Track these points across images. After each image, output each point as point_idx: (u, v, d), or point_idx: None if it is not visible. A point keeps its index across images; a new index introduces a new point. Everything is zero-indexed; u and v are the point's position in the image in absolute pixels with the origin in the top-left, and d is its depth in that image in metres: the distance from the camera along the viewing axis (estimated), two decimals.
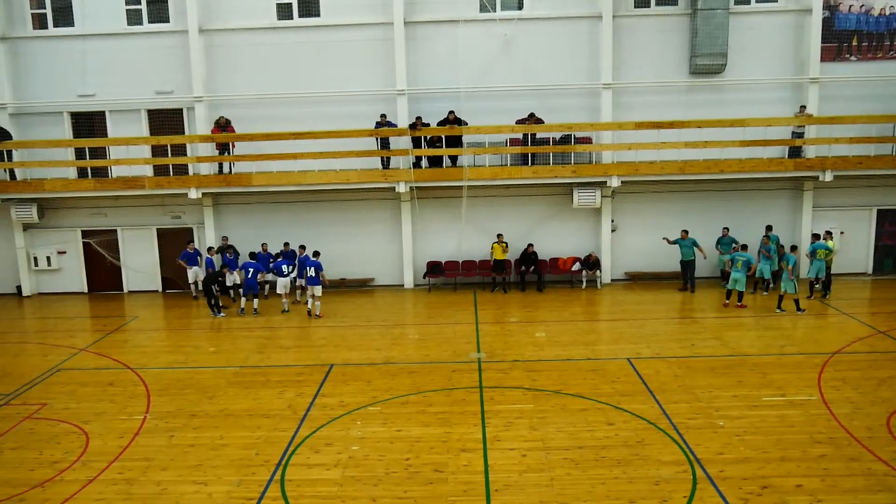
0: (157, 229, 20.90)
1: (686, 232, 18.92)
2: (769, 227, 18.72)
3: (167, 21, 19.87)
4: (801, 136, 19.09)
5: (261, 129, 19.18)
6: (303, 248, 18.57)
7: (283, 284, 18.05)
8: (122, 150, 19.91)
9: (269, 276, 18.89)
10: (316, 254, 17.94)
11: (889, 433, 10.16)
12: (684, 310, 17.52)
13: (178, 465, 9.83)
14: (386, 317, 17.70)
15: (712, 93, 19.59)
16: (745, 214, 19.87)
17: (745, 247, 17.79)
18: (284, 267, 18.12)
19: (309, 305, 17.71)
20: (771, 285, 18.54)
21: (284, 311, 18.06)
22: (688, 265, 19.02)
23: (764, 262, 18.07)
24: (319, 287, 17.50)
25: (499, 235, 19.53)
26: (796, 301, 16.74)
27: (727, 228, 19.06)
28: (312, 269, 17.44)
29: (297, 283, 18.97)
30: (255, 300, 18.00)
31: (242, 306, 17.83)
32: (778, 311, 16.76)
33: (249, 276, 17.54)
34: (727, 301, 17.22)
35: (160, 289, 21.10)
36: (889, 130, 19.17)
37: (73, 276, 21.12)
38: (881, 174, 19.25)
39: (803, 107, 19.08)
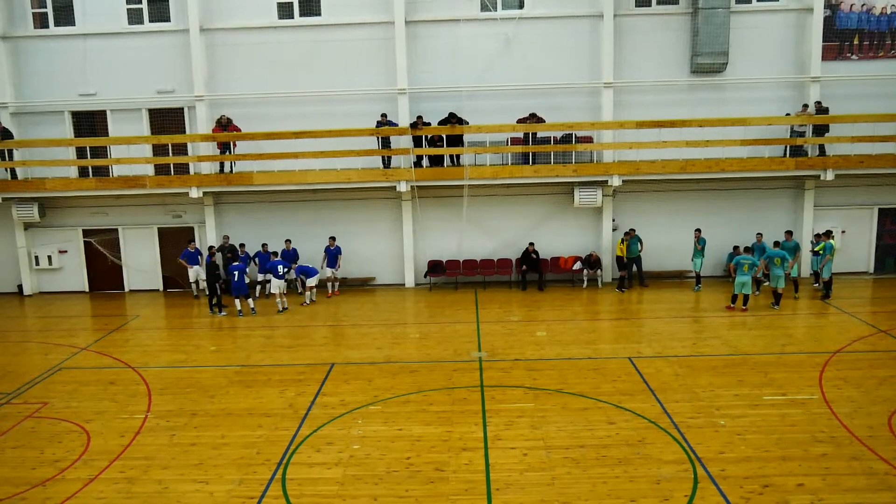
0: (159, 228, 20.92)
1: (633, 230, 19.21)
2: (789, 233, 18.43)
3: (168, 20, 19.88)
4: (802, 135, 19.06)
5: (262, 129, 19.18)
6: (288, 241, 19.31)
7: (277, 285, 18.08)
8: (123, 149, 19.93)
9: (269, 276, 18.91)
10: (332, 239, 19.66)
11: (890, 432, 10.15)
12: (685, 309, 17.51)
13: (179, 464, 9.84)
14: (387, 316, 17.70)
15: (713, 92, 19.58)
16: (747, 213, 19.88)
17: (747, 249, 17.77)
18: (280, 267, 18.12)
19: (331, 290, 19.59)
20: (763, 284, 18.48)
21: (280, 311, 18.07)
22: (635, 261, 19.34)
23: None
24: (333, 270, 19.62)
25: (629, 232, 19.25)
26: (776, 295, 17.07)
27: (699, 230, 19.05)
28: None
29: (308, 286, 18.91)
30: (249, 300, 18.02)
31: (239, 308, 17.83)
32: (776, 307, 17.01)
33: (236, 278, 17.54)
34: (732, 304, 17.12)
35: (161, 288, 21.12)
36: (891, 129, 19.07)
37: (75, 275, 21.14)
38: (883, 173, 19.23)
39: (805, 105, 19.05)
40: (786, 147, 19.20)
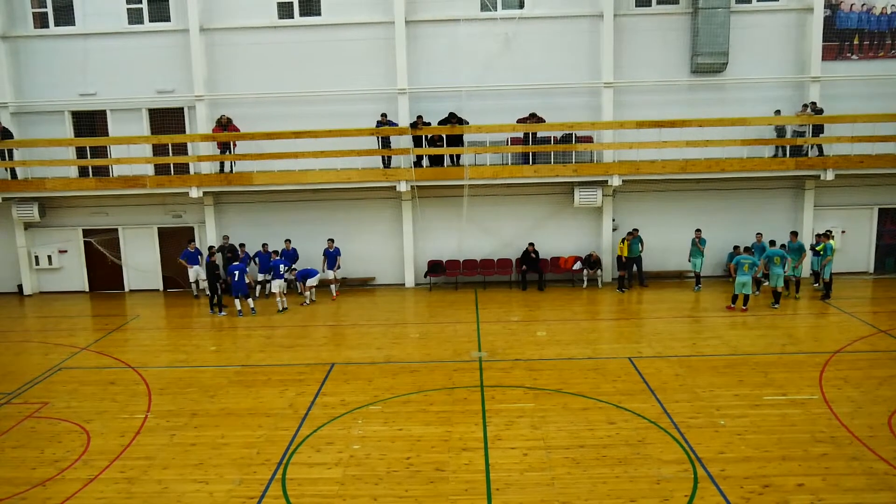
0: (159, 228, 20.91)
1: (636, 230, 19.23)
2: (794, 234, 18.18)
3: (168, 20, 19.88)
4: (801, 135, 19.06)
5: (262, 128, 19.18)
6: (288, 241, 19.41)
7: (277, 284, 18.11)
8: (124, 148, 19.93)
9: (269, 276, 18.92)
10: (331, 241, 19.39)
11: (890, 432, 10.15)
12: (685, 309, 17.51)
13: (179, 464, 9.84)
14: (387, 316, 17.70)
15: (713, 92, 19.58)
16: (747, 213, 19.88)
17: (746, 249, 17.74)
18: (282, 267, 18.15)
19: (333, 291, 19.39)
20: (763, 284, 18.45)
21: (280, 310, 18.08)
22: (636, 261, 19.38)
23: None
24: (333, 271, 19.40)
25: (628, 233, 19.31)
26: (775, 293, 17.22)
27: (699, 230, 19.05)
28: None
29: (308, 286, 18.90)
30: (249, 300, 18.02)
31: (239, 308, 17.84)
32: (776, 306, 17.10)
33: (236, 278, 17.55)
34: (732, 304, 17.11)
35: (161, 288, 21.11)
36: (891, 129, 19.05)
37: (75, 274, 21.14)
38: (883, 173, 19.22)
39: (805, 105, 19.04)
40: (778, 147, 19.22)
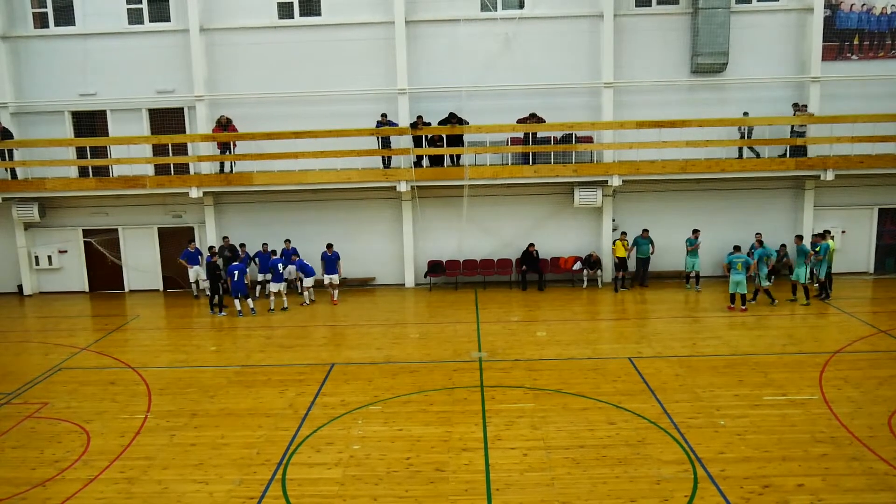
0: (159, 228, 20.91)
1: (646, 231, 19.25)
2: (799, 237, 18.03)
3: (168, 20, 19.88)
4: (801, 135, 19.05)
5: (262, 129, 19.18)
6: (287, 241, 19.29)
7: (276, 285, 18.11)
8: (124, 149, 19.93)
9: (269, 276, 18.91)
10: (329, 246, 18.94)
11: (890, 432, 10.15)
12: (685, 309, 17.52)
13: (179, 464, 9.84)
14: (387, 316, 17.70)
15: (713, 92, 19.57)
16: (747, 213, 19.88)
17: (738, 248, 17.72)
18: (280, 266, 18.15)
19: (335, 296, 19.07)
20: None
21: (270, 310, 18.10)
22: (644, 262, 19.44)
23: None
24: (336, 276, 19.00)
25: (623, 233, 19.44)
26: (767, 292, 17.40)
27: (697, 230, 19.03)
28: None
29: (304, 286, 18.87)
30: (249, 300, 18.02)
31: (239, 308, 17.83)
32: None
33: (235, 278, 17.55)
34: (731, 304, 17.11)
35: (161, 288, 21.11)
36: (891, 129, 19.04)
37: (75, 275, 21.14)
38: (882, 173, 19.22)
39: (796, 104, 19.01)
40: (740, 148, 19.18)
